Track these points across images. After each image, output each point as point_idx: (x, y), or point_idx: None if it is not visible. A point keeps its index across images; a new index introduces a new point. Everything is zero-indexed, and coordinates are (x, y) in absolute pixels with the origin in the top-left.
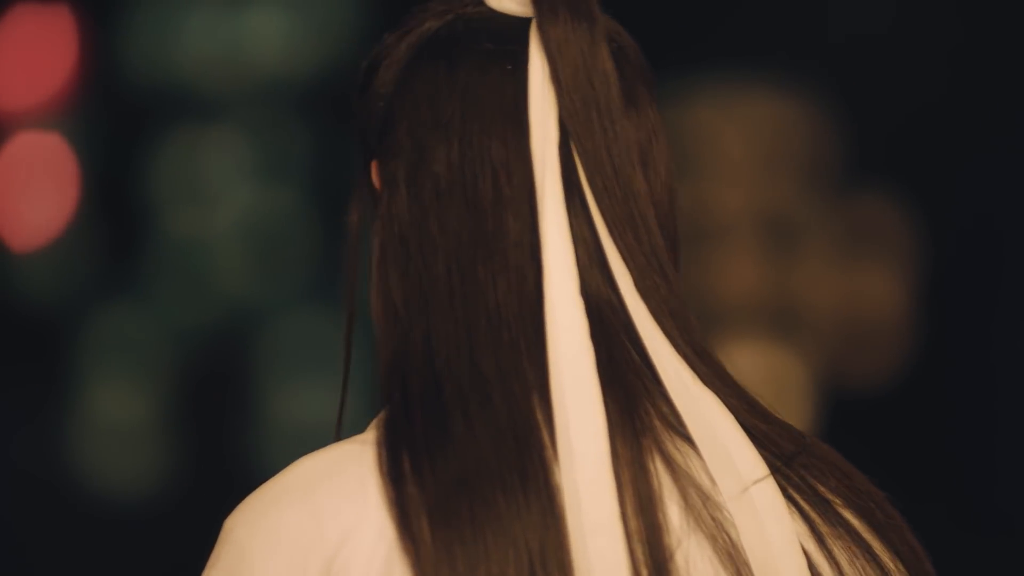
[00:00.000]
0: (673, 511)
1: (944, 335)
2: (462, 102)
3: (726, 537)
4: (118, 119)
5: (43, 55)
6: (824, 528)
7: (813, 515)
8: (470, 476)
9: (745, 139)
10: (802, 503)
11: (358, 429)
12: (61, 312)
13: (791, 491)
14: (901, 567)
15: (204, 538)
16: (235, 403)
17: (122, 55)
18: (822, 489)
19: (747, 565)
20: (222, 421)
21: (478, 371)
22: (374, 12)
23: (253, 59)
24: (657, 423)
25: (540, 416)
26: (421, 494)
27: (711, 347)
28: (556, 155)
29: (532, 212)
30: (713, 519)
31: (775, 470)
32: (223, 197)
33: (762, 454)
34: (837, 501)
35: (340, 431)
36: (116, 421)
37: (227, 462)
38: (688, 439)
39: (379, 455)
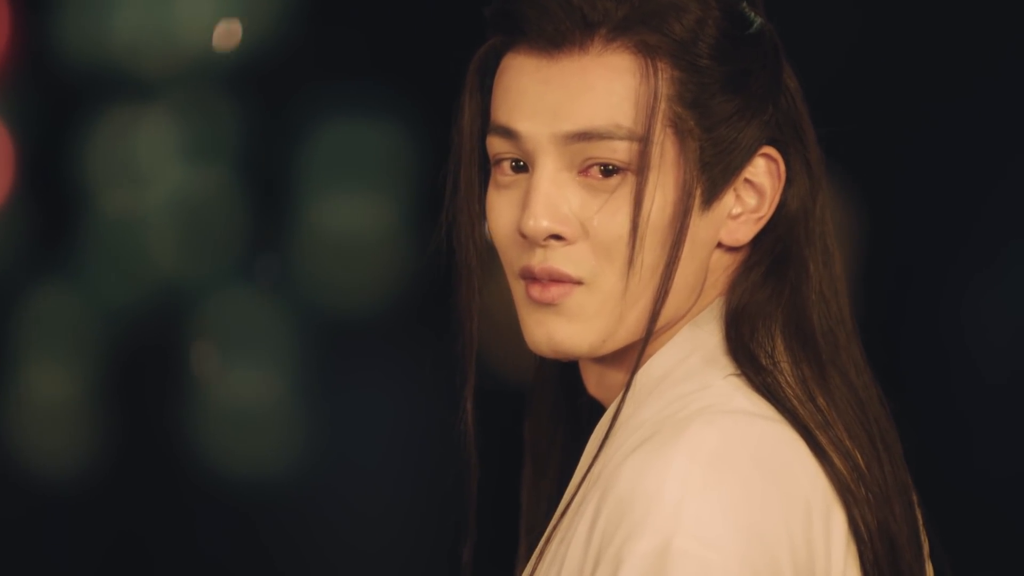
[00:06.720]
0: None
1: (888, 318)
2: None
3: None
4: (52, 99)
5: None
6: None
7: None
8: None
9: None
10: None
11: (289, 409)
12: None
13: None
14: None
15: (136, 515)
16: (168, 382)
17: (55, 36)
18: None
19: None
20: (155, 399)
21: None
22: None
23: (186, 40)
24: None
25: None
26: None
27: None
28: None
29: None
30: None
31: None
32: (156, 177)
33: None
34: None
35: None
36: (49, 400)
37: (160, 441)
38: None
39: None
